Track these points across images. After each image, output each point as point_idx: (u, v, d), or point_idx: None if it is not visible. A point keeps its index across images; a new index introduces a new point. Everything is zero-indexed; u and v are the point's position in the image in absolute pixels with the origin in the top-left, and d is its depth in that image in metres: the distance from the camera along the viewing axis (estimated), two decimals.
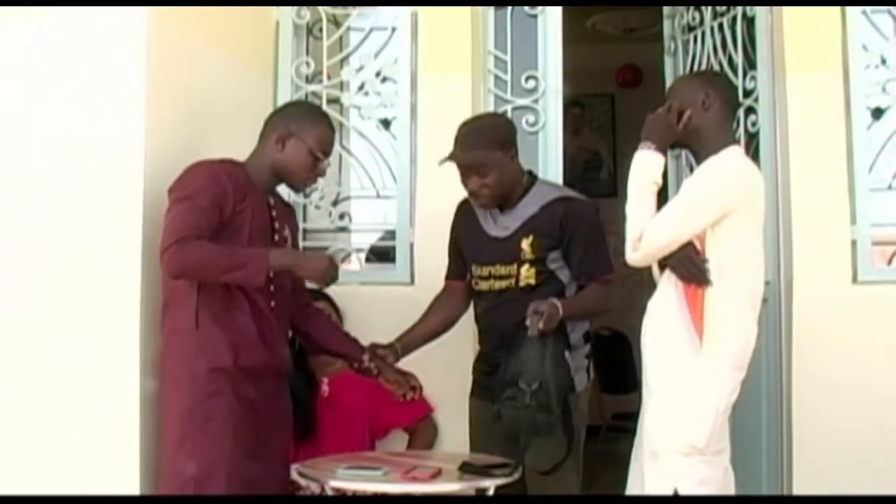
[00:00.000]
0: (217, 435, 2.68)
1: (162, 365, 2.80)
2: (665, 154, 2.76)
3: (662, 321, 2.71)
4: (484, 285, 3.05)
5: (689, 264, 2.64)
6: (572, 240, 2.97)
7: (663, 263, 2.72)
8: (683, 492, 2.59)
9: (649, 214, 2.68)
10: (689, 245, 2.65)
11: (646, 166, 2.72)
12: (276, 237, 2.87)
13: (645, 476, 2.67)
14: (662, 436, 2.64)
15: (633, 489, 2.75)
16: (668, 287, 2.71)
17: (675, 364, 2.65)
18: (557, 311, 2.83)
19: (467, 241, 3.13)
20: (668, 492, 2.60)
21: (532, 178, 3.10)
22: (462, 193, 3.25)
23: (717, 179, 2.70)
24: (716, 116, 2.76)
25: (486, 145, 2.97)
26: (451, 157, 3.02)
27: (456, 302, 3.20)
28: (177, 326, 2.75)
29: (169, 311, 2.78)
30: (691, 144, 2.80)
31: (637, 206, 2.69)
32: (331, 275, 2.78)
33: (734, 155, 2.77)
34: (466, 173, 3.00)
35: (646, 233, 2.65)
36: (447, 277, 3.21)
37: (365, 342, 3.11)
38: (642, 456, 2.70)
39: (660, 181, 2.73)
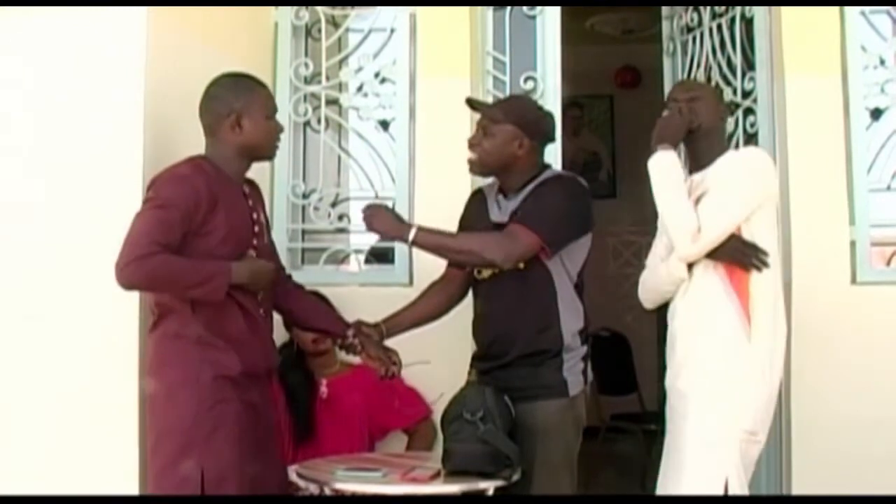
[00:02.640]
0: (226, 442, 2.66)
1: (152, 372, 2.74)
2: (678, 153, 2.83)
3: (710, 311, 2.75)
4: (485, 272, 3.01)
5: (746, 251, 2.71)
6: (535, 195, 2.92)
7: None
8: (733, 481, 2.63)
9: (692, 207, 2.72)
10: (734, 234, 2.72)
11: (667, 164, 2.77)
12: (256, 228, 2.86)
13: (695, 467, 2.66)
14: (719, 424, 2.67)
15: (670, 487, 2.74)
16: (710, 277, 2.75)
17: (729, 352, 2.70)
18: (397, 230, 2.87)
19: (473, 228, 3.08)
20: (720, 481, 2.63)
21: (543, 168, 3.05)
22: (462, 195, 3.25)
23: (758, 168, 2.79)
24: (724, 125, 2.89)
25: (507, 113, 2.97)
26: (475, 102, 3.10)
27: (451, 289, 3.15)
28: (169, 333, 2.71)
29: (160, 318, 2.73)
30: (696, 152, 2.86)
31: (677, 202, 2.74)
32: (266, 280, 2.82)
33: (752, 149, 2.89)
34: (478, 124, 3.02)
35: (706, 223, 2.69)
36: (448, 264, 3.17)
37: None
38: (685, 448, 2.69)
39: (684, 177, 2.79)
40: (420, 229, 2.86)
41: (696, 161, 2.86)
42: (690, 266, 2.76)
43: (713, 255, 2.73)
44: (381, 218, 2.91)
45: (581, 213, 2.96)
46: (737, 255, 2.72)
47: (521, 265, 2.90)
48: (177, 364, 2.70)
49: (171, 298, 2.71)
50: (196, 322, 2.69)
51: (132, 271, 2.55)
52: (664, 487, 2.77)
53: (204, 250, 2.67)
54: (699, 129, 2.82)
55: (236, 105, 2.78)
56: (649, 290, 2.90)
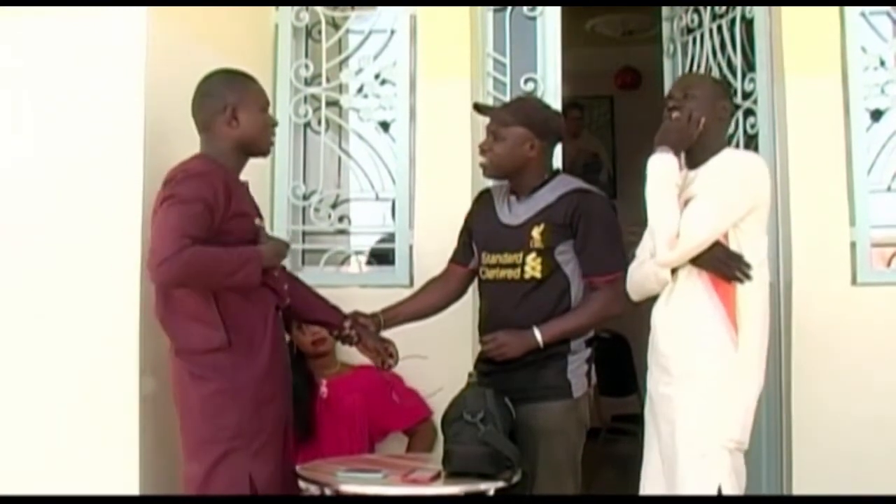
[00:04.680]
0: (270, 445, 2.70)
1: (184, 386, 2.71)
2: (679, 158, 2.77)
3: (695, 318, 2.70)
4: (490, 274, 3.01)
5: (728, 262, 2.66)
6: (584, 231, 2.91)
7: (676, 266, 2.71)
8: (726, 488, 2.60)
9: (678, 214, 2.67)
10: (718, 243, 2.67)
11: (666, 167, 2.72)
12: (257, 220, 2.86)
13: (687, 476, 2.63)
14: (709, 433, 2.63)
15: (658, 490, 2.74)
16: (694, 285, 2.70)
17: (715, 360, 2.65)
18: (529, 343, 2.86)
19: (480, 229, 3.09)
20: (714, 489, 2.60)
21: (555, 172, 3.06)
22: (462, 196, 3.25)
23: (749, 175, 2.73)
24: (724, 124, 2.82)
25: (517, 116, 2.97)
26: (483, 106, 3.11)
27: (452, 286, 3.17)
28: (197, 349, 2.69)
29: (193, 329, 2.69)
30: (693, 148, 2.80)
31: (664, 206, 2.69)
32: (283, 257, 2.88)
33: (748, 153, 2.83)
34: (487, 128, 3.02)
35: (684, 231, 2.64)
36: (451, 260, 3.18)
37: None
38: (675, 455, 2.66)
39: (679, 182, 2.73)
40: (541, 329, 2.87)
41: (691, 158, 2.82)
42: (675, 270, 2.72)
43: (696, 262, 2.68)
44: (510, 343, 2.89)
45: (619, 228, 3.00)
46: (719, 265, 2.66)
47: (539, 275, 2.92)
48: (211, 375, 2.67)
49: (189, 308, 2.67)
50: (226, 333, 2.66)
51: (167, 269, 2.53)
52: (646, 490, 2.77)
53: (233, 243, 2.67)
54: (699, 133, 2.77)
55: (231, 99, 2.77)
56: (634, 282, 2.85)
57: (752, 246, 2.69)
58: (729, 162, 2.76)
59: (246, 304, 2.71)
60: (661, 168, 2.72)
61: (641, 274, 2.83)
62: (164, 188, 2.65)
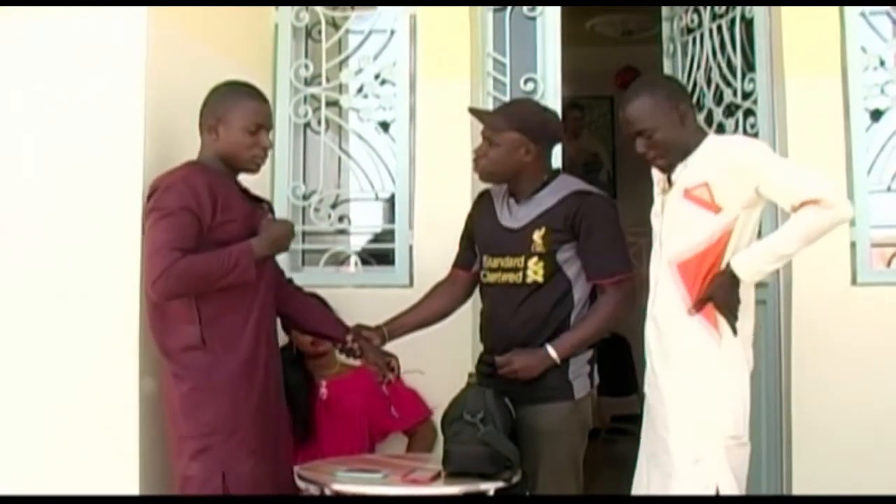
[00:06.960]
0: (245, 442, 2.71)
1: (168, 384, 2.75)
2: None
3: (675, 322, 2.69)
4: (492, 277, 2.99)
5: (733, 304, 2.63)
6: (586, 234, 2.88)
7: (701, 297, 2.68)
8: (724, 488, 2.59)
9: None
10: (736, 285, 2.63)
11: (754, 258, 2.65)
12: (269, 216, 2.89)
13: (683, 484, 2.62)
14: (702, 437, 2.61)
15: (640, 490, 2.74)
16: (671, 289, 2.69)
17: (700, 362, 2.65)
18: (545, 363, 2.84)
19: (481, 232, 3.07)
20: (711, 491, 2.59)
21: (555, 173, 3.03)
22: (462, 196, 3.25)
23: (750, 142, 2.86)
24: (682, 116, 2.73)
25: (511, 121, 2.93)
26: (477, 112, 3.06)
27: (456, 291, 3.15)
28: (179, 347, 2.72)
29: (172, 328, 2.73)
30: (674, 157, 2.75)
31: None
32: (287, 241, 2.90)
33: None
34: (482, 134, 2.98)
35: (816, 186, 2.55)
36: (454, 265, 3.17)
37: None
38: (670, 460, 2.65)
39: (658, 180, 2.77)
40: (555, 346, 2.85)
41: (676, 161, 2.75)
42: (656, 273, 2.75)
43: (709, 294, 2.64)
44: (528, 366, 2.85)
45: (622, 229, 2.96)
46: (728, 303, 2.63)
47: (541, 279, 2.90)
48: (189, 373, 2.71)
49: (173, 309, 2.71)
50: (200, 331, 2.70)
51: (163, 284, 2.61)
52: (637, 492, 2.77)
53: (222, 245, 2.69)
54: (669, 145, 2.71)
55: (218, 112, 2.81)
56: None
57: (746, 234, 2.67)
58: (728, 144, 2.81)
59: (226, 303, 2.73)
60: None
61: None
62: (149, 199, 2.70)
